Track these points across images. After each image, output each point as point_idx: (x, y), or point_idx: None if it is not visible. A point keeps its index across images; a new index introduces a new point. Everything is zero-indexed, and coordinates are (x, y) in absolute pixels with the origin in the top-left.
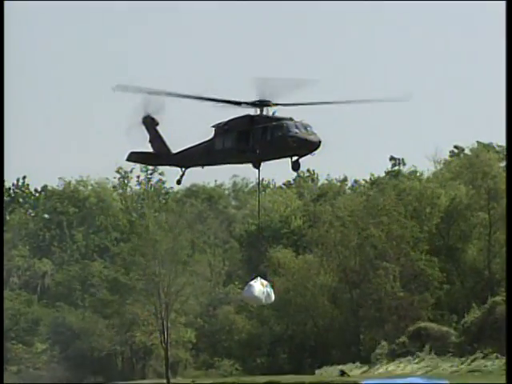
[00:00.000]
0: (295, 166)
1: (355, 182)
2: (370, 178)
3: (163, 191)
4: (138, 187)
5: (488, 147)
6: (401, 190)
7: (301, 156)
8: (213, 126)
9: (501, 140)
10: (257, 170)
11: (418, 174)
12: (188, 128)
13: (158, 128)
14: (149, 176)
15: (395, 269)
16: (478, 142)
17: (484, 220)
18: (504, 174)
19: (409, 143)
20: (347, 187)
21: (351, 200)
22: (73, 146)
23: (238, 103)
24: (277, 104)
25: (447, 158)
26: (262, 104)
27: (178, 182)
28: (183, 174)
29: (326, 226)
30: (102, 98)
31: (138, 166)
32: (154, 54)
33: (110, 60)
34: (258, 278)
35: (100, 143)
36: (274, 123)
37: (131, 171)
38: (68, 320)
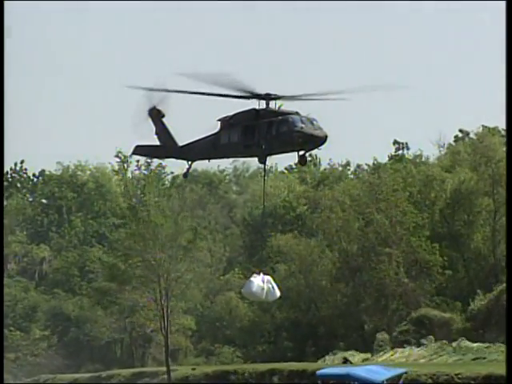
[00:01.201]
0: (302, 161)
1: (358, 166)
2: (373, 163)
3: (163, 176)
4: (137, 172)
5: (493, 131)
6: (405, 175)
7: (307, 151)
8: (218, 120)
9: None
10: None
11: (422, 159)
12: (195, 121)
13: (165, 120)
14: (148, 160)
15: (398, 255)
16: (483, 125)
17: (488, 206)
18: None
19: (413, 127)
20: (350, 172)
21: (353, 185)
22: (71, 130)
23: (245, 97)
24: (283, 97)
25: (452, 142)
26: (268, 97)
27: (185, 175)
28: (190, 167)
29: (326, 212)
30: (100, 82)
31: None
32: (157, 48)
33: (110, 47)
34: (261, 273)
35: (99, 127)
36: (280, 117)
37: (131, 156)
38: (66, 307)
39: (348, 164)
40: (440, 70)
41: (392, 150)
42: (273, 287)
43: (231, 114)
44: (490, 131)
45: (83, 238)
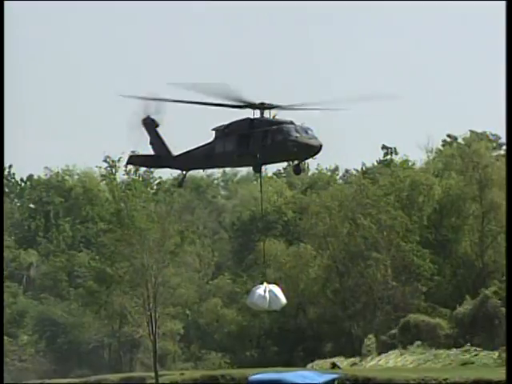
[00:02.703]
0: (297, 170)
1: (346, 171)
2: (362, 168)
3: (151, 181)
4: (125, 176)
5: (481, 136)
6: (392, 180)
7: (301, 160)
8: (213, 129)
9: (494, 129)
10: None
11: (410, 164)
12: (189, 130)
13: (159, 130)
14: None
15: (387, 259)
16: (470, 130)
17: (476, 211)
18: (497, 164)
19: (401, 132)
20: (338, 177)
21: (341, 190)
22: (59, 135)
23: (239, 106)
24: (277, 106)
25: (440, 147)
26: (262, 107)
27: (180, 185)
28: (184, 177)
29: (314, 217)
30: (88, 86)
31: (125, 155)
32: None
33: (100, 50)
34: (264, 283)
35: (87, 132)
36: (275, 127)
37: (119, 160)
38: (54, 312)
39: (336, 169)
40: (429, 75)
41: (381, 154)
42: (275, 295)
43: (226, 123)
44: (478, 136)
45: (71, 243)
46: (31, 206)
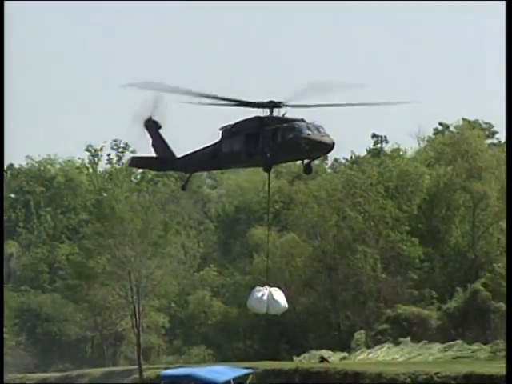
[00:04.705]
0: (307, 170)
1: (335, 160)
2: (351, 157)
3: (134, 170)
4: (108, 166)
5: (474, 124)
6: (382, 169)
7: (313, 159)
8: (220, 129)
9: (487, 117)
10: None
11: (400, 153)
12: (193, 131)
13: (161, 131)
14: (119, 154)
15: (375, 250)
16: (463, 118)
17: (467, 201)
18: (489, 152)
19: (392, 120)
20: (327, 166)
21: (329, 180)
22: (40, 123)
23: (248, 104)
24: (287, 105)
25: (431, 135)
26: (273, 105)
27: (183, 188)
28: (188, 179)
29: (301, 207)
30: (71, 74)
31: (108, 143)
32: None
33: (87, 40)
34: (266, 286)
35: (69, 121)
36: (285, 125)
37: (101, 149)
38: (35, 304)
39: (325, 158)
40: (421, 64)
41: (371, 143)
42: (274, 300)
43: (233, 122)
44: (471, 124)
45: (52, 234)
46: (12, 195)
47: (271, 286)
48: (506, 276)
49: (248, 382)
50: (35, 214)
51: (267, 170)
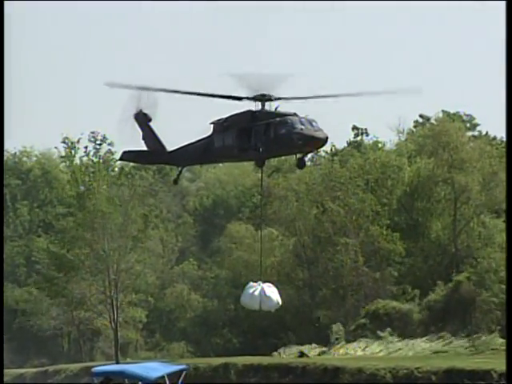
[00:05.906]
0: (300, 164)
1: (315, 153)
2: (331, 149)
3: (112, 163)
4: (85, 158)
5: (454, 116)
6: (362, 162)
7: (307, 153)
8: (211, 123)
9: (468, 109)
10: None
11: (380, 146)
12: (185, 125)
13: (152, 124)
14: (97, 147)
15: (356, 244)
16: (443, 110)
17: (447, 195)
18: (470, 145)
19: (372, 112)
20: (307, 159)
21: (309, 173)
22: (16, 115)
23: (239, 98)
24: (279, 98)
25: (412, 128)
26: (264, 98)
27: (175, 182)
28: (180, 173)
29: (278, 201)
30: (49, 64)
31: (85, 135)
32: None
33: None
34: (259, 282)
35: (45, 112)
36: (278, 119)
37: (78, 141)
38: (11, 298)
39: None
40: (403, 56)
41: (351, 135)
42: (266, 296)
43: (224, 116)
44: (451, 117)
45: (29, 227)
46: None
47: (264, 282)
48: (507, 276)
49: (181, 380)
50: (11, 207)
51: (260, 165)
